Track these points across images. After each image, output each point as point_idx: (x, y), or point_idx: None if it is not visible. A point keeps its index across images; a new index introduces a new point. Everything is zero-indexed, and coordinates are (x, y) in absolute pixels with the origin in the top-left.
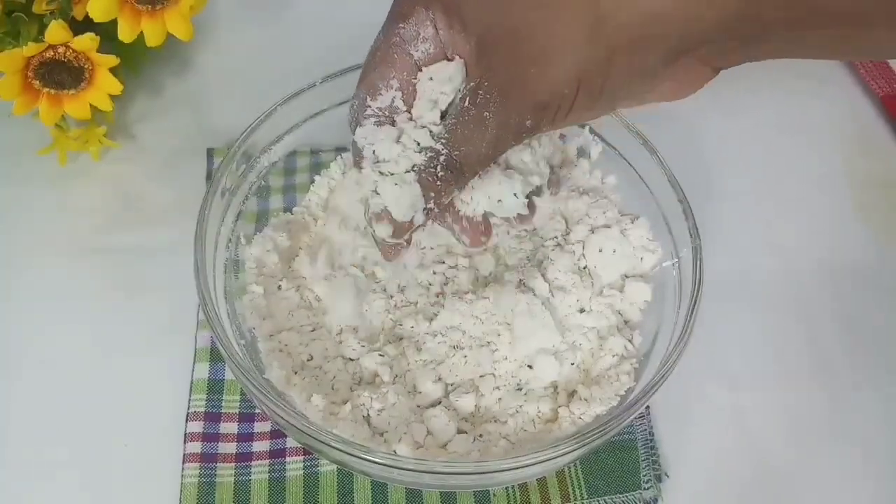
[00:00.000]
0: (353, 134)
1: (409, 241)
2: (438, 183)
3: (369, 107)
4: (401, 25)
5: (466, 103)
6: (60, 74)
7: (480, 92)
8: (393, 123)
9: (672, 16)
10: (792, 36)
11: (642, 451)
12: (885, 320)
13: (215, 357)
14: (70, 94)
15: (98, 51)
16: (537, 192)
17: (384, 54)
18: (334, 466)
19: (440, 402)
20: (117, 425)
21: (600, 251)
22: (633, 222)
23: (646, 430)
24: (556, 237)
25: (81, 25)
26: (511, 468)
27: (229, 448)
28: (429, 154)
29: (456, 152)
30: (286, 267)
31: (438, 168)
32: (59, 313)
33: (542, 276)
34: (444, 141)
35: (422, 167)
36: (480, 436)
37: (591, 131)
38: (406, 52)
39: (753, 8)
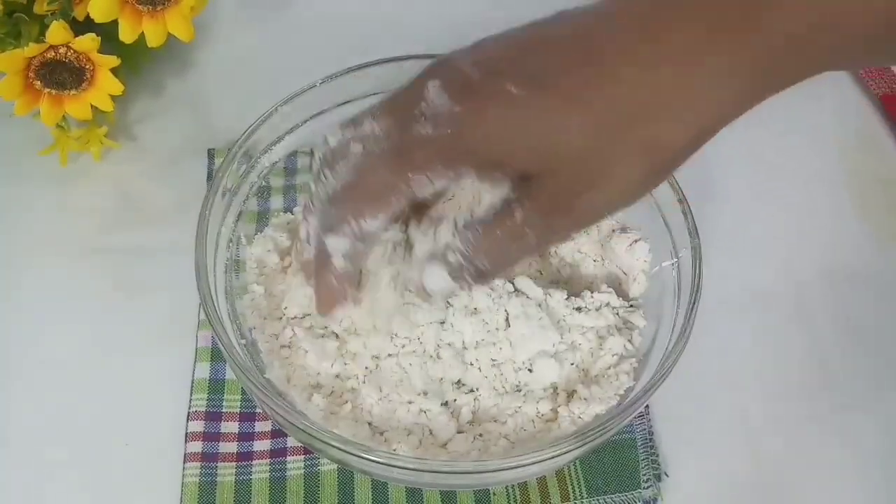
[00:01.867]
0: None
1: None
2: (468, 284)
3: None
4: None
5: (502, 219)
6: (62, 75)
7: (518, 212)
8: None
9: (728, 121)
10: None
11: (642, 451)
12: (885, 319)
13: (216, 357)
14: (71, 95)
15: (99, 51)
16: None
17: (389, 189)
18: (335, 466)
19: (441, 403)
20: (117, 425)
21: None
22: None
23: (645, 429)
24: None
25: (82, 26)
26: (511, 467)
27: (230, 447)
28: (459, 261)
29: (486, 265)
30: (287, 267)
31: (467, 276)
32: (59, 313)
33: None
34: (470, 251)
35: (453, 267)
36: (480, 435)
37: None
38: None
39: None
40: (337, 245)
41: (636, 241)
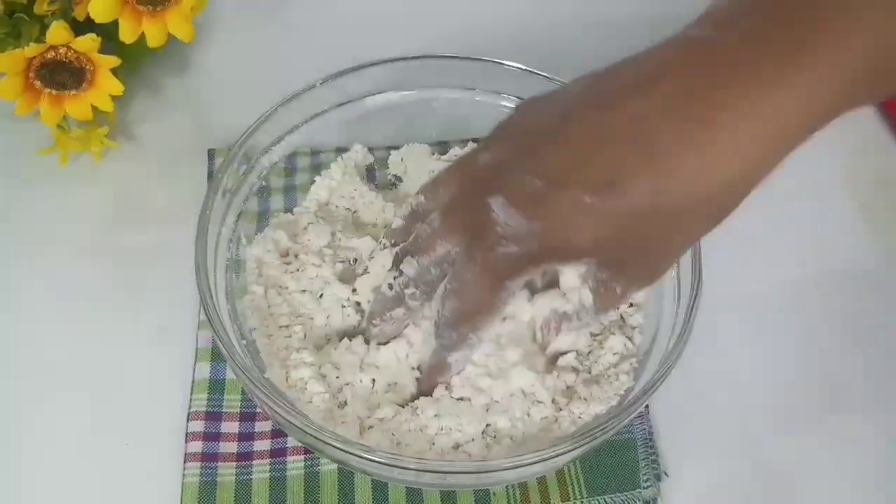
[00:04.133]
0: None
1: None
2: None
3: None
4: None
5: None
6: (62, 75)
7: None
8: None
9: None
10: None
11: (642, 451)
12: (886, 321)
13: (216, 357)
14: (71, 95)
15: (99, 51)
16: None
17: (495, 301)
18: (335, 465)
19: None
20: (117, 425)
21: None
22: None
23: (645, 429)
24: None
25: (83, 26)
26: (511, 467)
27: (230, 447)
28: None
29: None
30: (288, 266)
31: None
32: (59, 313)
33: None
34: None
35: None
36: (494, 436)
37: None
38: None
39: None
40: (458, 357)
41: None
